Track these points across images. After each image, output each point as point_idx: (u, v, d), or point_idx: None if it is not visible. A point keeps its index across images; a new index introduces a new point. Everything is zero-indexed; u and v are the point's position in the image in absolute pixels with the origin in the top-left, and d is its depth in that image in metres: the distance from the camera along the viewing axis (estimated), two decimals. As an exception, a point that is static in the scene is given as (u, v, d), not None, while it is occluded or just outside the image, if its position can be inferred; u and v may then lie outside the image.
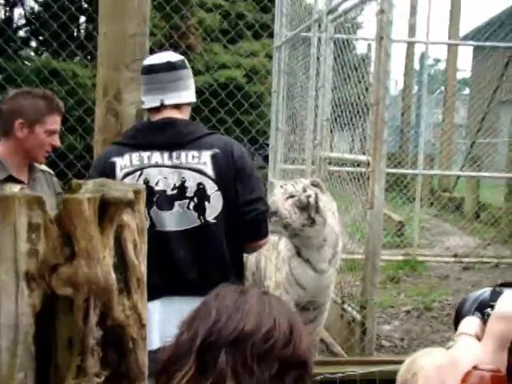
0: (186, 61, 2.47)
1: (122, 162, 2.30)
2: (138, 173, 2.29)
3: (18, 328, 1.30)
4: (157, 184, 2.29)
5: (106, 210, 1.35)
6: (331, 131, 5.16)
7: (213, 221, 2.30)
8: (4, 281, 1.30)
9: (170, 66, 2.37)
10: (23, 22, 11.08)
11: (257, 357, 1.08)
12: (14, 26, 10.91)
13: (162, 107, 2.37)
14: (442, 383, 0.70)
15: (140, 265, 1.43)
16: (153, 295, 2.09)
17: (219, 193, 2.30)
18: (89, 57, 8.73)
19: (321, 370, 3.08)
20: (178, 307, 2.14)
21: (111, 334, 1.38)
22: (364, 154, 4.26)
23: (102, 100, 2.93)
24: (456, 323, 0.79)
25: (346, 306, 4.51)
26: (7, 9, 10.94)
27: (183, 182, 2.28)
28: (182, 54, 5.24)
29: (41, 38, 9.69)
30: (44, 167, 2.74)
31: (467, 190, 11.53)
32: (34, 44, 10.76)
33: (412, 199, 9.38)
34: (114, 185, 1.45)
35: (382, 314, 5.59)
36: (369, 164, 3.90)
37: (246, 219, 2.36)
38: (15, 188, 1.37)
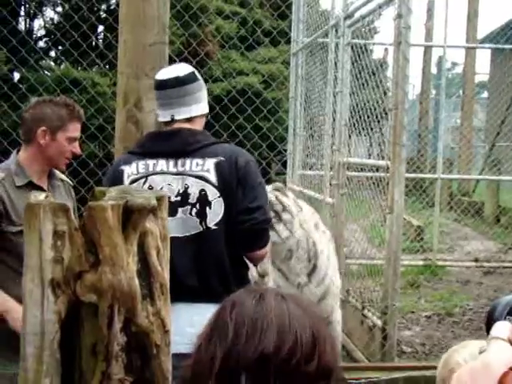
0: (196, 73, 2.47)
1: (130, 170, 2.36)
2: (143, 180, 2.33)
3: (44, 335, 1.32)
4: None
5: (130, 216, 1.37)
6: (349, 136, 5.15)
7: (214, 227, 2.31)
8: (30, 288, 1.32)
9: (179, 82, 2.39)
10: (43, 32, 11.22)
11: (280, 377, 1.03)
12: (34, 36, 11.06)
13: (172, 121, 2.42)
14: None
15: (163, 271, 1.45)
16: None
17: (221, 199, 2.31)
18: (108, 66, 8.82)
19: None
20: (177, 313, 2.07)
21: (135, 340, 1.39)
22: (383, 158, 4.24)
23: (123, 108, 2.96)
24: (488, 327, 0.79)
25: (366, 311, 4.49)
26: (27, 20, 11.08)
27: (186, 189, 2.31)
28: (200, 61, 5.28)
29: (60, 47, 9.80)
30: (63, 177, 2.77)
31: (487, 194, 11.42)
32: (53, 54, 10.89)
33: (431, 204, 9.31)
34: (137, 192, 1.46)
35: (402, 320, 5.55)
36: (388, 169, 3.89)
37: (244, 228, 2.33)
38: (40, 196, 1.38)
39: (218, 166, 2.32)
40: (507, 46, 10.48)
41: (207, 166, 2.32)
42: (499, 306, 0.79)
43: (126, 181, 2.33)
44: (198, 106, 2.44)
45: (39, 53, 8.70)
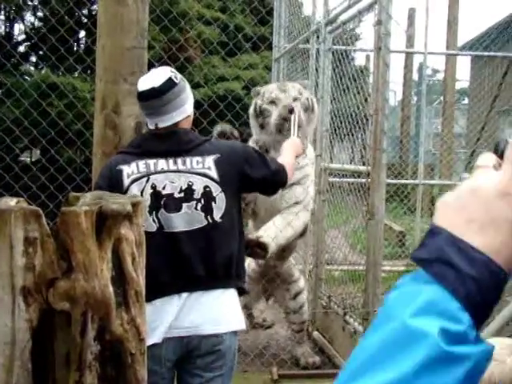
0: (173, 77, 2.47)
1: (129, 170, 2.42)
2: (145, 179, 2.41)
3: (15, 344, 1.28)
4: (164, 188, 2.41)
5: (104, 222, 1.34)
6: (331, 142, 5.15)
7: (219, 220, 2.44)
8: (0, 296, 1.28)
9: (155, 93, 2.43)
10: (23, 37, 11.13)
11: None
12: (14, 41, 10.96)
13: (158, 129, 2.50)
14: (463, 209, 0.66)
15: (138, 278, 1.42)
16: (163, 292, 2.35)
17: (223, 194, 2.45)
18: (88, 71, 8.76)
19: (324, 383, 3.05)
20: (186, 302, 2.37)
21: (109, 349, 1.36)
22: (364, 164, 4.25)
23: (101, 113, 2.92)
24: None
25: (347, 317, 4.48)
26: (7, 24, 10.98)
27: (190, 186, 2.42)
28: (181, 66, 5.25)
29: (40, 52, 9.72)
30: None
31: (468, 200, 11.46)
32: (33, 59, 10.80)
33: (413, 209, 9.35)
34: (112, 197, 1.43)
35: (384, 326, 5.53)
36: (369, 174, 3.89)
37: (268, 193, 2.81)
38: (11, 201, 1.35)
39: (217, 162, 2.46)
40: (486, 54, 10.59)
41: (208, 164, 2.45)
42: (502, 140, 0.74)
43: (127, 180, 2.40)
44: (179, 111, 2.49)
45: (18, 57, 8.60)
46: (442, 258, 0.63)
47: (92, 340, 1.33)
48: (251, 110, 4.00)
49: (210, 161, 2.46)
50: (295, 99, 3.80)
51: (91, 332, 1.31)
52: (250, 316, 5.09)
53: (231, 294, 2.52)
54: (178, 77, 2.50)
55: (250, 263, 4.42)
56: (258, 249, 3.61)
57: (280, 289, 4.56)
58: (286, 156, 2.94)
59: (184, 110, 2.51)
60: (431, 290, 0.61)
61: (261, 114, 3.90)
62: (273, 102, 3.86)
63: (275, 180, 2.67)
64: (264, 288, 4.59)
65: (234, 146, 2.61)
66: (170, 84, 2.44)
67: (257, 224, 4.13)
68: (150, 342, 2.29)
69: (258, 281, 4.50)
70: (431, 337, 0.58)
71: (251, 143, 3.95)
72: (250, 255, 3.64)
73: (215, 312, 2.44)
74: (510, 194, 0.64)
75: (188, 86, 2.57)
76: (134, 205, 1.42)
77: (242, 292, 2.62)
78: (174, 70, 2.55)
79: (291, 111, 3.64)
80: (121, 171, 2.42)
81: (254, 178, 2.58)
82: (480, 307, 0.61)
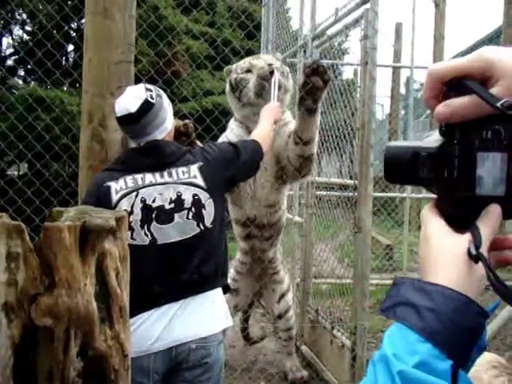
0: (149, 98, 2.47)
1: (117, 186, 2.44)
2: (134, 193, 2.43)
3: (-4, 361, 1.27)
4: (154, 201, 2.44)
5: (87, 237, 1.33)
6: (318, 156, 5.16)
7: (210, 225, 2.50)
8: (-18, 312, 1.27)
9: (133, 118, 2.46)
10: (11, 50, 11.11)
11: None
12: (2, 55, 10.94)
13: None
14: (424, 256, 0.75)
15: (122, 293, 1.41)
16: (155, 303, 2.38)
17: (211, 200, 2.51)
18: (76, 84, 8.74)
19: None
20: (177, 311, 2.41)
21: (93, 365, 1.35)
22: (351, 178, 4.26)
23: (87, 127, 2.92)
24: None
25: (335, 331, 4.47)
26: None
27: (179, 196, 2.45)
28: (169, 80, 5.25)
29: (28, 66, 9.70)
30: None
31: (455, 213, 11.51)
32: (21, 73, 10.78)
33: (400, 222, 9.38)
34: (96, 212, 1.42)
35: (372, 339, 5.54)
36: (356, 188, 3.90)
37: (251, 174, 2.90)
38: (-6, 216, 1.34)
39: (201, 170, 2.52)
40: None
41: (193, 173, 2.50)
42: None
43: (115, 196, 2.42)
44: (160, 130, 2.54)
45: (6, 71, 8.58)
46: (403, 301, 0.69)
47: (75, 356, 1.31)
48: (227, 88, 3.88)
49: (194, 169, 2.51)
50: (270, 65, 3.65)
51: (74, 348, 1.30)
52: (244, 330, 5.07)
53: (218, 293, 2.57)
54: (154, 94, 2.50)
55: (238, 257, 4.39)
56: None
57: (267, 288, 4.53)
58: (263, 124, 3.02)
59: (164, 128, 2.55)
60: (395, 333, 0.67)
61: (237, 86, 3.75)
62: (248, 71, 3.74)
63: (253, 165, 2.79)
64: (253, 286, 4.52)
65: (211, 152, 2.64)
66: (146, 107, 2.46)
67: (235, 199, 4.06)
68: (139, 353, 2.30)
69: (247, 275, 4.44)
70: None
71: (221, 139, 3.80)
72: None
73: (204, 316, 2.47)
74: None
75: (165, 100, 2.58)
76: (118, 219, 1.41)
77: (226, 289, 2.67)
78: (149, 86, 2.54)
79: (271, 72, 3.53)
80: (109, 188, 2.44)
81: (236, 176, 2.70)
82: (446, 334, 0.63)
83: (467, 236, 0.72)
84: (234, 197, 4.01)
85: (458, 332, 0.63)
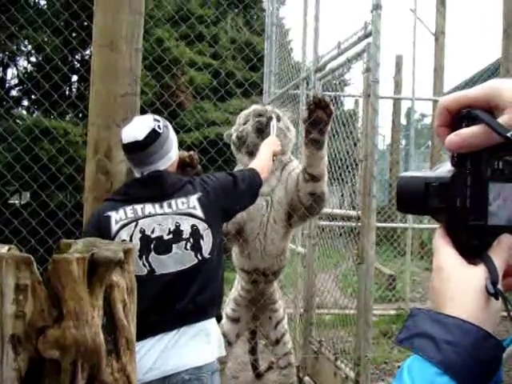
0: (157, 128, 2.50)
1: (117, 216, 2.45)
2: (134, 224, 2.44)
3: (3, 393, 1.27)
4: (152, 232, 2.45)
5: (96, 269, 1.34)
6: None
7: (208, 256, 2.50)
8: (-11, 344, 1.27)
9: (140, 146, 2.49)
10: (16, 81, 11.23)
11: None
12: (7, 85, 11.05)
13: None
14: (437, 288, 0.76)
15: (129, 325, 1.41)
16: (151, 333, 2.36)
17: (209, 230, 2.51)
18: (80, 115, 8.82)
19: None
20: (172, 340, 2.40)
21: (99, 398, 1.34)
22: (354, 208, 4.27)
23: (93, 158, 2.94)
24: None
25: (339, 362, 4.43)
26: (0, 69, 11.10)
27: (178, 226, 2.46)
28: (173, 112, 5.30)
29: (33, 97, 9.80)
30: None
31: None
32: (26, 103, 10.88)
33: (403, 253, 9.36)
34: (104, 244, 1.44)
35: (375, 371, 5.48)
36: (359, 219, 3.90)
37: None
38: (3, 248, 1.35)
39: (200, 201, 2.53)
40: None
41: (192, 203, 2.52)
42: None
43: (115, 226, 2.43)
44: (164, 160, 2.56)
45: (11, 101, 8.67)
46: (420, 333, 0.69)
47: (81, 389, 1.31)
48: (232, 148, 3.95)
49: (194, 200, 2.53)
50: (266, 110, 3.75)
51: (81, 381, 1.30)
52: (255, 362, 5.06)
53: (213, 323, 2.56)
54: (161, 125, 2.54)
55: (239, 291, 4.39)
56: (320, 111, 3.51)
57: (264, 315, 4.52)
58: (262, 154, 3.05)
59: (169, 158, 2.58)
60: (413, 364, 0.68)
61: (239, 139, 3.83)
62: (246, 121, 3.82)
63: (252, 193, 2.80)
64: (253, 315, 4.52)
65: (210, 183, 2.66)
66: (153, 136, 2.49)
67: (243, 250, 4.07)
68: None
69: (247, 308, 4.44)
70: None
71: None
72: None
73: (198, 346, 2.45)
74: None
75: (171, 131, 2.61)
76: (126, 252, 1.42)
77: (219, 319, 2.66)
78: (156, 116, 2.58)
79: (270, 118, 3.61)
80: (109, 218, 2.46)
81: (234, 205, 2.71)
82: (465, 368, 0.63)
83: (482, 268, 0.73)
84: (242, 247, 4.04)
85: (475, 365, 0.64)
